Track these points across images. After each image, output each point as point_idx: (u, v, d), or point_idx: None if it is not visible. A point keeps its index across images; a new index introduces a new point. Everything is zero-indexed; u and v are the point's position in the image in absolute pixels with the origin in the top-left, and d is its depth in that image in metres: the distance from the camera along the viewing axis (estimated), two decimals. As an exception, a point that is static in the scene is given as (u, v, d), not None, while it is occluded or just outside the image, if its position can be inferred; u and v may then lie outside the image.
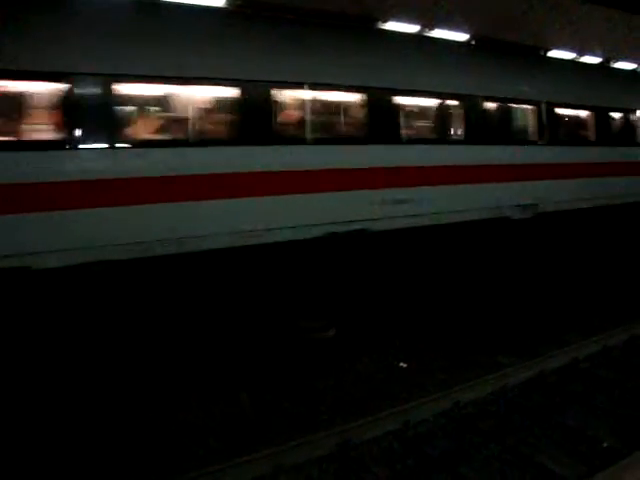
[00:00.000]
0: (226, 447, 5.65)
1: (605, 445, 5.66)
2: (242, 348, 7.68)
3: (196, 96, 7.21)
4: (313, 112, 8.07)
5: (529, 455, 5.47)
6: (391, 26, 10.82)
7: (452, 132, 9.95)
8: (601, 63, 15.74)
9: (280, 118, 7.80)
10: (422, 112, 9.74)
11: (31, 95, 6.38)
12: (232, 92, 7.40)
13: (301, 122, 7.97)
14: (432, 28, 11.39)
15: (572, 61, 14.25)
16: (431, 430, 6.00)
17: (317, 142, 7.98)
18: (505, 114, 10.63)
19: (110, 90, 6.56)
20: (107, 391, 6.47)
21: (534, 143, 10.96)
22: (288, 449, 5.38)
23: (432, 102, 9.62)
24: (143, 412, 6.37)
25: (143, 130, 7.02)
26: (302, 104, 8.01)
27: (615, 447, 5.58)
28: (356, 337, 8.41)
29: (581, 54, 14.97)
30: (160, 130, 7.16)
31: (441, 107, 9.71)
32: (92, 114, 6.47)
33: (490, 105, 10.25)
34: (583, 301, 10.50)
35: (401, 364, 7.64)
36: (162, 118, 7.23)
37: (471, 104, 9.80)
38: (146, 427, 6.08)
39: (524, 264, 10.85)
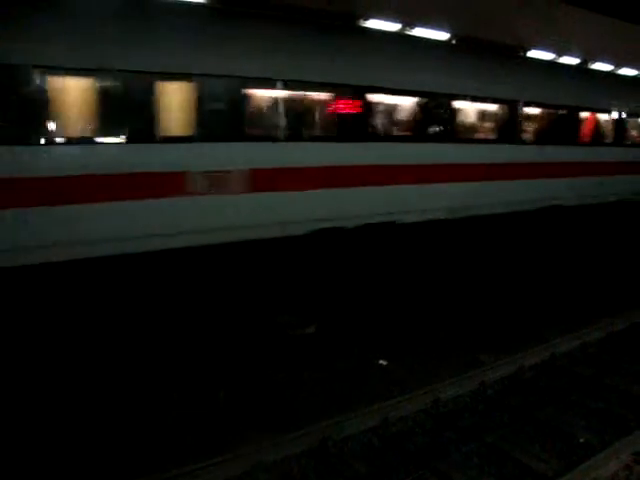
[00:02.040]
0: (205, 446, 5.61)
1: (581, 441, 5.73)
2: (222, 344, 7.66)
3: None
4: None
5: (507, 451, 5.52)
6: (372, 24, 10.87)
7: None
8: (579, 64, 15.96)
9: None
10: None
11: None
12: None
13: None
14: (413, 27, 11.46)
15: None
16: (410, 427, 6.03)
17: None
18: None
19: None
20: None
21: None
22: (267, 446, 5.37)
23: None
24: (123, 409, 6.31)
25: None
26: None
27: (591, 442, 5.66)
28: (336, 334, 8.42)
29: (560, 55, 15.17)
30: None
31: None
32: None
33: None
34: (561, 298, 10.61)
35: (381, 361, 7.65)
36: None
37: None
38: (122, 425, 6.02)
39: (504, 262, 10.99)
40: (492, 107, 11.14)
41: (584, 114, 13.04)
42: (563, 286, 11.28)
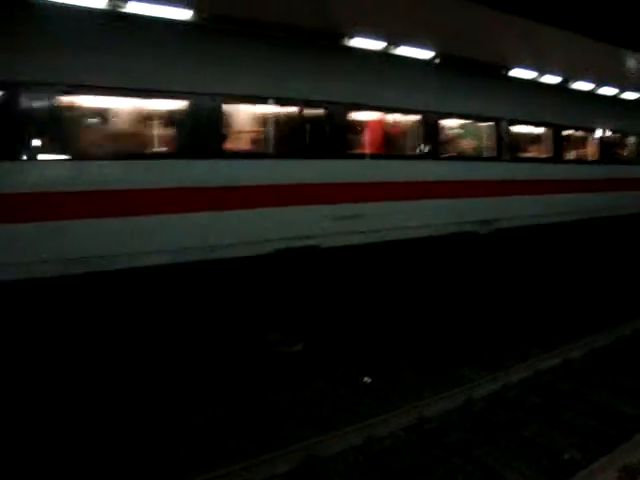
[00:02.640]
0: (188, 465, 5.53)
1: (566, 457, 5.72)
2: (208, 361, 7.59)
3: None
4: None
5: (492, 468, 5.50)
6: (356, 42, 10.96)
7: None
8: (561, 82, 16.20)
9: None
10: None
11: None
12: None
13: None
14: (397, 45, 11.58)
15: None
16: (396, 444, 5.99)
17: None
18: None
19: None
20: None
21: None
22: (253, 465, 5.29)
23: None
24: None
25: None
26: None
27: (575, 459, 5.65)
28: (323, 351, 8.37)
29: (542, 74, 15.40)
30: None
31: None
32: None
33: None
34: (545, 315, 10.67)
35: (365, 379, 7.61)
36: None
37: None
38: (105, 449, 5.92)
39: (487, 279, 11.00)
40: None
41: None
42: (545, 303, 11.35)
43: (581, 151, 13.95)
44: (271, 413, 6.70)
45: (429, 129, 9.82)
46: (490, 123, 11.08)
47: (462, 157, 10.73)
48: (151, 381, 7.00)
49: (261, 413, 6.70)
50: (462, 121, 10.83)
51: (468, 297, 10.41)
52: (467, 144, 11.02)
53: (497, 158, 11.04)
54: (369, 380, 7.59)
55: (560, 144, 12.56)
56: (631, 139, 15.70)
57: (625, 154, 15.47)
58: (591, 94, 16.70)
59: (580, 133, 13.77)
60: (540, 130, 12.43)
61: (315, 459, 5.49)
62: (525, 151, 12.29)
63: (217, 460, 5.47)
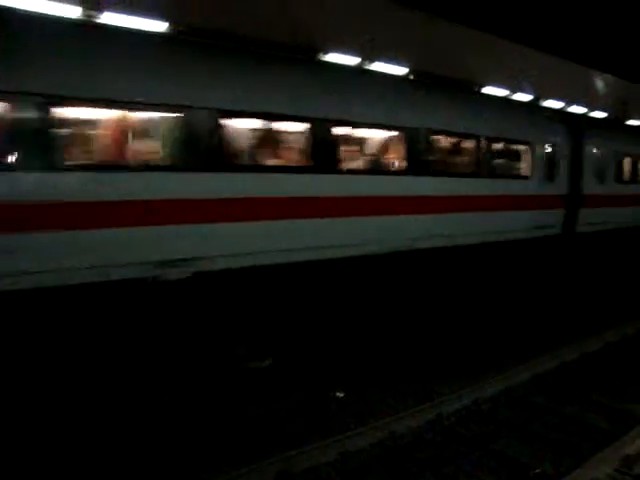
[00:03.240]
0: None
1: (537, 471, 5.73)
2: (177, 378, 7.46)
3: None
4: None
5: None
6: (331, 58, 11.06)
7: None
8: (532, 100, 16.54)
9: None
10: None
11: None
12: None
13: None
14: (372, 61, 11.72)
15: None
16: (368, 460, 5.93)
17: None
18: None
19: None
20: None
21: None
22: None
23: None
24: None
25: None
26: None
27: (547, 472, 5.67)
28: (293, 367, 8.29)
29: (513, 92, 15.75)
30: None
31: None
32: None
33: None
34: (513, 330, 10.76)
35: (337, 394, 7.55)
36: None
37: None
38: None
39: (458, 293, 11.05)
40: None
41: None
42: (514, 318, 11.45)
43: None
44: (242, 428, 6.60)
45: None
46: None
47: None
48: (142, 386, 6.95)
49: (231, 428, 6.59)
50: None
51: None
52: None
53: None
54: (342, 395, 7.53)
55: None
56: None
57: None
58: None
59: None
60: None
61: (287, 475, 5.41)
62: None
63: (186, 478, 5.37)
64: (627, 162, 15.57)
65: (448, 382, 7.96)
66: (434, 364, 8.76)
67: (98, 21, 8.63)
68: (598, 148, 14.14)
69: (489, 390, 7.59)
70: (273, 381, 7.84)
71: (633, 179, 15.94)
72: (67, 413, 6.30)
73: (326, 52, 11.43)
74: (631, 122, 21.50)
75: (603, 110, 20.74)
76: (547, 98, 17.60)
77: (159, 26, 9.38)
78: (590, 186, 13.76)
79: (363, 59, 11.83)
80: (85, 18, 8.49)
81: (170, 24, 9.48)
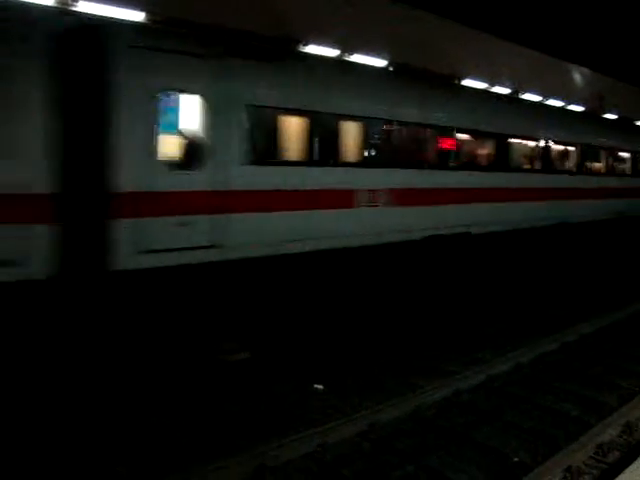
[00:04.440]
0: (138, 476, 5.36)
1: (516, 460, 5.79)
2: (155, 371, 7.39)
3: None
4: None
5: (444, 473, 5.52)
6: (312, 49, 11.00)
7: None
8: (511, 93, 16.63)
9: None
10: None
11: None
12: None
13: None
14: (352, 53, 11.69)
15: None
16: (348, 451, 5.94)
17: None
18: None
19: None
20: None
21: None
22: (203, 475, 5.17)
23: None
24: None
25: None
26: None
27: (524, 461, 5.73)
28: (271, 359, 8.28)
29: (492, 85, 15.82)
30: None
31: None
32: None
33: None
34: (492, 320, 10.86)
35: (316, 386, 7.55)
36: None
37: None
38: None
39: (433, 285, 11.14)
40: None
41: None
42: (492, 309, 11.57)
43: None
44: (220, 422, 6.57)
45: None
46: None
47: None
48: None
49: (209, 423, 6.56)
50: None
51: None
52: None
53: None
54: (321, 387, 7.53)
55: None
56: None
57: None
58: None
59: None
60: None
61: (266, 468, 5.40)
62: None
63: (165, 472, 5.32)
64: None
65: (428, 374, 8.00)
66: (413, 356, 8.81)
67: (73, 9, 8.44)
68: None
69: (468, 381, 7.65)
70: (252, 374, 7.83)
71: None
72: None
73: (306, 44, 11.38)
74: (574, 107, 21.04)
75: (580, 104, 20.92)
76: (525, 91, 17.71)
77: (135, 16, 9.26)
78: None
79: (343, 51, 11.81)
80: (60, 6, 8.34)
81: (147, 14, 9.37)
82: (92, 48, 6.90)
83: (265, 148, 8.56)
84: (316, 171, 9.02)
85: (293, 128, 8.80)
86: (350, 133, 9.64)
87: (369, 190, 9.71)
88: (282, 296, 8.60)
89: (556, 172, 14.90)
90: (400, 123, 10.41)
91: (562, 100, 19.63)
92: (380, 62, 12.82)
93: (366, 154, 10.20)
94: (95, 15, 8.67)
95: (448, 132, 11.29)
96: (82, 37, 6.89)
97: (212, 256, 7.73)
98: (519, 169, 13.64)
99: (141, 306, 7.15)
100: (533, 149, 14.17)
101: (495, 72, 16.16)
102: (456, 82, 14.95)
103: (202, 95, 7.63)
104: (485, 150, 12.71)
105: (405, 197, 10.26)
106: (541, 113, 15.80)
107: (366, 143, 10.07)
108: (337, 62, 11.72)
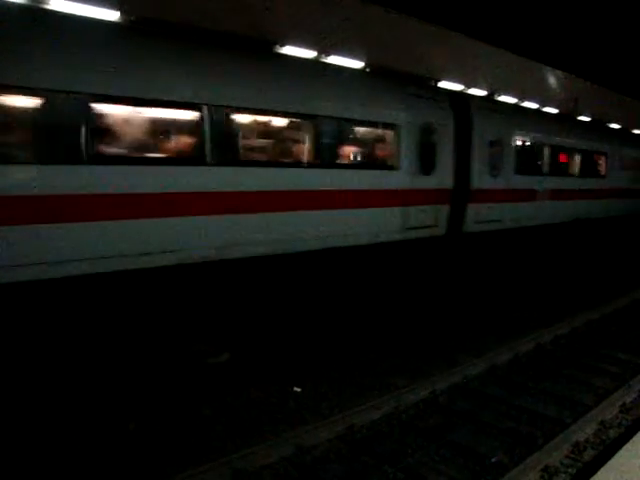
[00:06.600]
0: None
1: (493, 460, 5.81)
2: (133, 373, 7.30)
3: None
4: None
5: (422, 474, 5.52)
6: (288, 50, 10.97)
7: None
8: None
9: None
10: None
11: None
12: None
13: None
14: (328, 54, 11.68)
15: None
16: (326, 454, 5.91)
17: None
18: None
19: None
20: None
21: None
22: (179, 480, 5.10)
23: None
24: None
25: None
26: None
27: (502, 462, 5.76)
28: (248, 362, 8.22)
29: (468, 86, 15.93)
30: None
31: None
32: None
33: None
34: (467, 321, 10.91)
35: (295, 388, 7.51)
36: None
37: None
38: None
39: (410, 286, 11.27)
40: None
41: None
42: (467, 310, 11.63)
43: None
44: (197, 426, 6.49)
45: None
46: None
47: None
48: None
49: (186, 426, 6.48)
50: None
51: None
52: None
53: None
54: (299, 390, 7.49)
55: None
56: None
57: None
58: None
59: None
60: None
61: (244, 472, 5.34)
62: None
63: (140, 477, 5.24)
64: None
65: (405, 375, 8.01)
66: (390, 357, 8.81)
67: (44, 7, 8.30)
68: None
69: (446, 382, 7.65)
70: (229, 377, 7.76)
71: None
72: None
73: (283, 45, 11.33)
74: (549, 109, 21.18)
75: (554, 106, 21.17)
76: (501, 93, 17.88)
77: (110, 15, 9.11)
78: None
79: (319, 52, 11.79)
80: (32, 3, 8.18)
81: (121, 14, 9.22)
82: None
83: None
84: None
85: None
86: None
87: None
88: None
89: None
90: None
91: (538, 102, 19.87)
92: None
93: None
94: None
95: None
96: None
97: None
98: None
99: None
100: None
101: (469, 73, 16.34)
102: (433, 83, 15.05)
103: None
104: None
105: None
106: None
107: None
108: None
